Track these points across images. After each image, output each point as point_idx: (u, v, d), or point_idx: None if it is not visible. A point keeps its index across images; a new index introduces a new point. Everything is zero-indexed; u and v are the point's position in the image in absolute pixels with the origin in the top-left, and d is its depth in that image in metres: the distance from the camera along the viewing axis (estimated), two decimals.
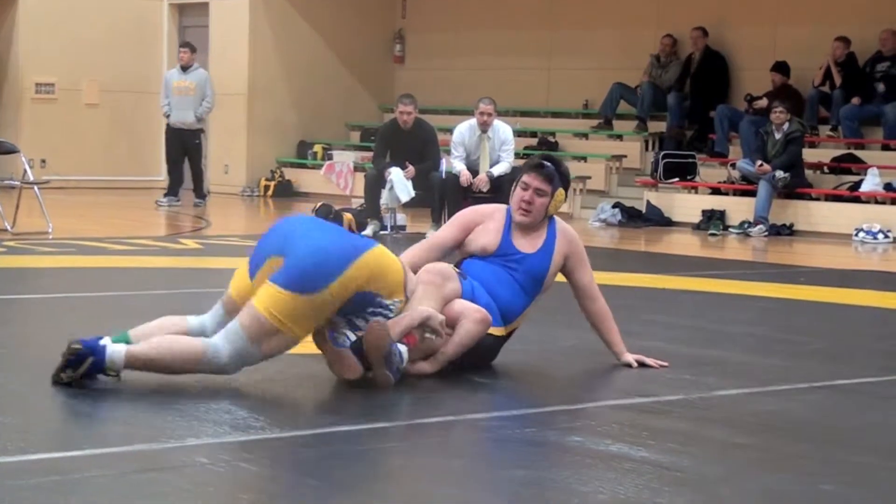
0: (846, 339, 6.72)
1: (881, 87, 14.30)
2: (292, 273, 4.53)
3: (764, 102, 14.68)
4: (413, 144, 12.23)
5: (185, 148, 15.54)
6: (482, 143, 12.12)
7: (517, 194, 5.27)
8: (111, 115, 18.37)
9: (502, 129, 12.19)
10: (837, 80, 14.71)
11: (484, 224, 5.28)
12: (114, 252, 9.83)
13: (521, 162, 15.19)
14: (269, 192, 17.94)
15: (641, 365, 5.37)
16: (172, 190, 15.58)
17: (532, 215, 5.25)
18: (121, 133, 18.31)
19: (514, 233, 5.27)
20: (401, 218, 12.65)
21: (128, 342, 4.64)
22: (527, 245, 5.25)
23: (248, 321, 4.55)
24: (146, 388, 4.69)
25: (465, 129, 12.22)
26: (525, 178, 5.25)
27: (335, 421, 4.25)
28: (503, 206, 5.40)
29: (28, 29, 17.86)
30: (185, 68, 15.56)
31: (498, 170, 12.03)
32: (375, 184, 12.25)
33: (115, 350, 4.52)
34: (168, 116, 15.60)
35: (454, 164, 12.14)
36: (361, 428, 4.18)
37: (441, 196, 12.11)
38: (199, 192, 15.75)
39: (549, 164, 5.28)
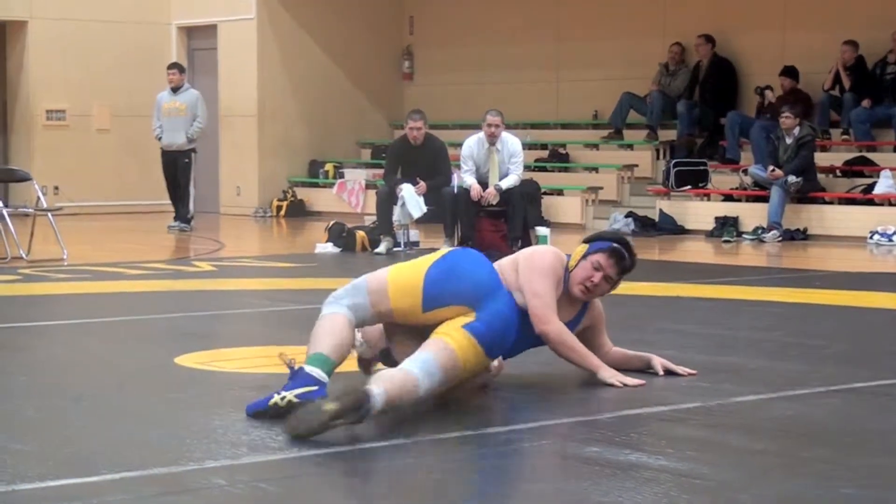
0: (863, 343, 6.70)
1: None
2: (491, 336, 4.64)
3: (772, 97, 14.71)
4: (424, 160, 12.25)
5: (174, 169, 15.20)
6: (491, 156, 12.13)
7: (585, 271, 5.15)
8: (122, 140, 18.45)
9: (510, 142, 12.20)
10: (847, 83, 14.70)
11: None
12: (129, 277, 9.86)
13: (531, 175, 15.31)
14: (282, 213, 17.97)
15: (668, 373, 5.37)
16: (186, 215, 15.47)
17: (591, 297, 5.22)
18: (132, 157, 18.38)
19: (560, 298, 5.17)
20: (413, 234, 12.66)
21: (328, 362, 4.50)
22: (563, 314, 5.18)
23: (449, 363, 4.55)
24: (158, 410, 4.70)
25: (473, 143, 12.24)
26: (602, 260, 5.15)
27: (352, 438, 4.25)
28: (563, 258, 5.24)
29: (38, 55, 17.96)
30: (175, 89, 15.32)
31: (507, 182, 12.05)
32: (387, 201, 12.27)
33: (378, 394, 4.29)
34: (160, 139, 15.34)
35: (465, 178, 12.16)
36: (379, 445, 4.18)
37: (453, 211, 12.12)
38: (183, 214, 15.18)
39: (628, 257, 5.19)
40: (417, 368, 4.48)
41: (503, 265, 5.12)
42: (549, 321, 5.06)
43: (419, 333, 4.75)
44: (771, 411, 4.77)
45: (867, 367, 5.83)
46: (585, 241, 5.32)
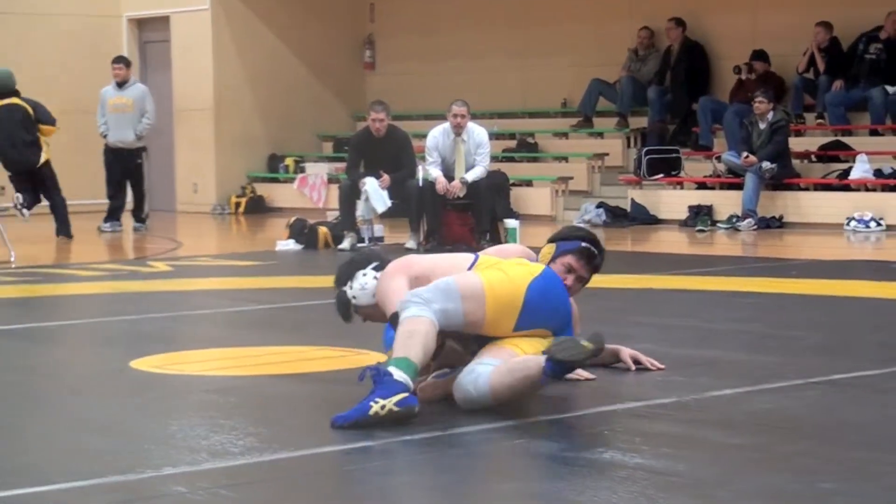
0: (841, 333, 6.74)
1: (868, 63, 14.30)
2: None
3: (750, 73, 14.81)
4: (387, 153, 12.23)
5: (125, 169, 14.97)
6: (457, 148, 12.13)
7: (558, 273, 5.18)
8: (71, 137, 18.31)
9: (477, 132, 12.20)
10: (821, 65, 14.78)
11: None
12: (82, 279, 9.80)
13: (499, 165, 15.31)
14: (241, 209, 17.90)
15: (637, 365, 5.39)
16: (114, 214, 14.96)
17: None
18: (81, 155, 18.24)
19: None
20: (378, 229, 12.64)
21: (412, 368, 4.46)
22: None
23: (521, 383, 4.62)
24: (114, 416, 4.68)
25: (438, 134, 12.23)
26: (573, 262, 5.20)
27: (317, 442, 4.24)
28: (531, 254, 5.36)
29: None
30: (120, 84, 15.07)
31: (473, 175, 12.04)
32: (350, 195, 12.24)
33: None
34: (105, 136, 15.08)
35: (430, 170, 12.15)
36: (345, 448, 4.17)
37: (419, 205, 12.11)
38: (140, 215, 15.04)
39: (599, 255, 5.29)
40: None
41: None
42: None
43: (471, 339, 4.78)
44: (748, 405, 4.79)
45: (846, 357, 5.86)
46: (552, 241, 5.34)
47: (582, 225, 14.50)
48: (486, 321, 4.66)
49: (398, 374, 4.40)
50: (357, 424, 4.32)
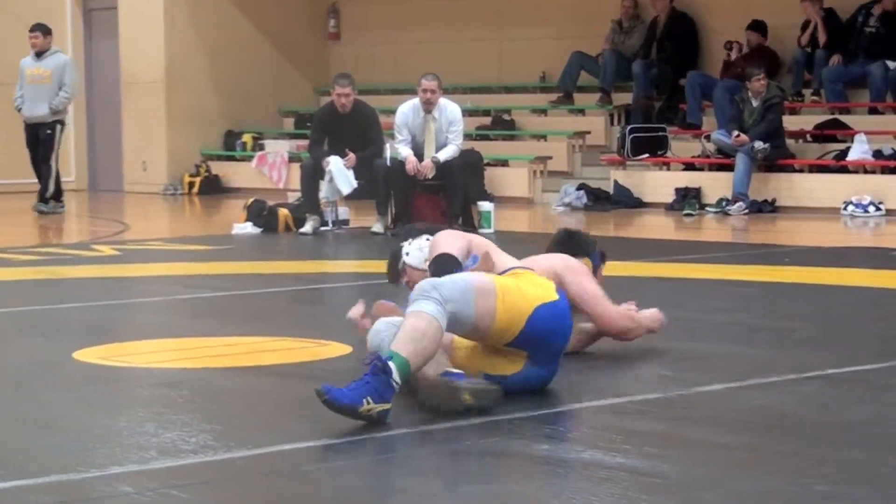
0: (837, 324, 6.78)
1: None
2: (513, 386, 4.77)
3: (737, 51, 14.85)
4: (353, 129, 12.20)
5: (37, 141, 14.63)
6: (427, 125, 12.10)
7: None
8: (7, 112, 18.18)
9: (449, 109, 12.18)
10: (822, 38, 14.81)
11: None
12: (17, 263, 9.74)
13: (473, 144, 15.30)
14: (195, 190, 17.84)
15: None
16: (54, 194, 14.68)
17: None
18: (19, 131, 18.12)
19: None
20: (343, 212, 12.62)
21: (406, 368, 4.48)
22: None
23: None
24: (56, 411, 4.66)
25: (408, 110, 12.20)
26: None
27: (274, 440, 4.24)
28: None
29: None
30: (39, 54, 14.78)
31: (445, 154, 12.01)
32: (313, 175, 12.21)
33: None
34: (19, 110, 14.84)
35: (399, 149, 12.13)
36: (304, 446, 4.17)
37: (387, 185, 12.09)
38: (44, 194, 14.59)
39: (569, 238, 5.82)
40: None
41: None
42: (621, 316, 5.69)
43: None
44: (737, 402, 4.81)
45: (842, 351, 5.89)
46: (582, 254, 5.76)
47: (561, 209, 14.52)
48: (492, 331, 4.71)
49: (395, 377, 4.43)
50: (342, 412, 4.34)
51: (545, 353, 4.83)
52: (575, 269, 5.60)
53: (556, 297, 4.86)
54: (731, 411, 4.65)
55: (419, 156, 12.06)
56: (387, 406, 4.39)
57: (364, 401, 4.35)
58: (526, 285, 4.84)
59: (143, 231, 13.17)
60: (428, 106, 12.03)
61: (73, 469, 3.87)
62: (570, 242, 5.87)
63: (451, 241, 5.19)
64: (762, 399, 4.83)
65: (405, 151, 12.05)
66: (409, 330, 4.52)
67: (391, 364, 4.42)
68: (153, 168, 18.28)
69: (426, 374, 4.60)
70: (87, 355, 5.77)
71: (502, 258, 5.15)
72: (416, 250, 5.32)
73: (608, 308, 5.63)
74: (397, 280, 5.42)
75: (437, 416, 4.45)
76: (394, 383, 4.41)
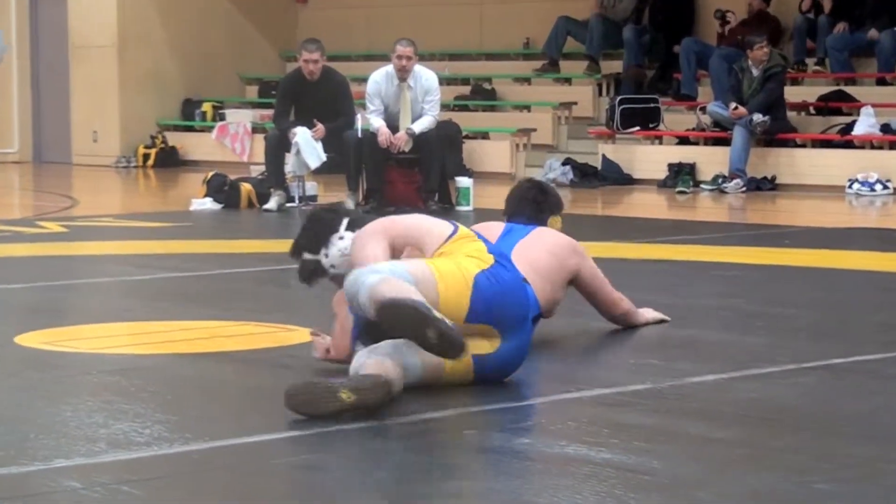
0: (840, 311, 6.80)
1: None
2: (493, 370, 4.77)
3: (732, 20, 14.84)
4: (322, 99, 12.18)
5: None
6: (402, 94, 12.08)
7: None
8: None
9: (425, 77, 12.17)
10: (827, 4, 14.82)
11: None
12: None
13: (451, 115, 15.29)
14: (150, 162, 17.80)
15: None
16: None
17: None
18: None
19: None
20: (310, 187, 12.61)
21: None
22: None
23: (434, 373, 4.71)
24: None
25: (381, 78, 12.18)
26: None
27: (235, 431, 4.23)
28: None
29: None
30: None
31: (420, 125, 12.00)
32: (278, 147, 12.20)
33: (395, 382, 4.55)
34: None
35: (371, 119, 12.12)
36: (268, 439, 4.17)
37: (357, 159, 12.08)
38: None
39: (543, 196, 5.86)
40: (402, 366, 4.54)
41: (529, 248, 5.52)
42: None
43: None
44: (733, 393, 4.82)
45: (844, 340, 5.91)
46: (548, 208, 5.88)
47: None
48: (440, 306, 4.65)
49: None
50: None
51: (508, 321, 4.77)
52: (584, 254, 5.73)
53: (490, 260, 4.79)
54: (726, 404, 4.66)
55: (393, 127, 12.05)
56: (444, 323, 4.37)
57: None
58: (461, 259, 4.78)
59: (92, 206, 13.12)
60: (403, 73, 12.02)
61: (14, 462, 3.85)
62: (545, 200, 5.85)
63: (371, 248, 4.84)
64: (759, 391, 4.85)
65: (377, 122, 12.03)
66: (395, 288, 4.45)
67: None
68: (104, 139, 18.21)
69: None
70: (30, 340, 5.75)
71: (424, 231, 4.95)
72: (341, 257, 4.94)
73: (611, 287, 5.82)
74: (314, 285, 5.14)
75: (412, 407, 4.44)
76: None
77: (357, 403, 4.30)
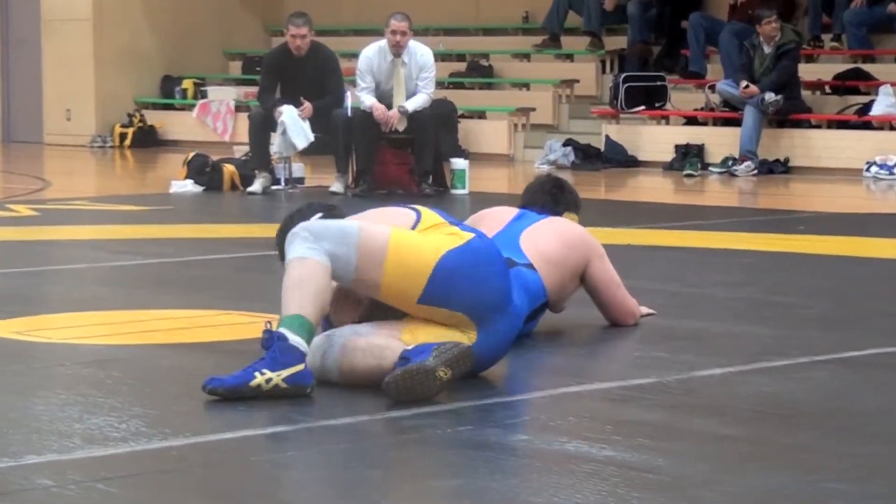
0: (856, 301, 6.81)
1: None
2: (479, 362, 4.73)
3: None
4: (309, 75, 12.16)
5: None
6: (395, 71, 12.05)
7: None
8: None
9: (420, 52, 12.15)
10: None
11: None
12: None
13: (446, 93, 15.27)
14: (127, 142, 17.79)
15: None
16: None
17: None
18: None
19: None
20: (297, 168, 12.60)
21: (307, 326, 4.49)
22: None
23: None
24: None
25: (373, 54, 12.15)
26: None
27: (216, 427, 4.24)
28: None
29: None
30: None
31: (414, 103, 11.96)
32: (263, 126, 12.18)
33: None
34: None
35: (362, 97, 12.10)
36: (253, 434, 4.17)
37: (347, 139, 12.07)
38: None
39: (560, 191, 5.89)
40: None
41: (539, 233, 5.54)
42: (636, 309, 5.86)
43: (373, 305, 4.79)
44: (742, 388, 4.83)
45: (860, 331, 5.93)
46: (575, 209, 5.93)
47: (545, 168, 14.52)
48: (383, 285, 4.64)
49: (293, 339, 4.44)
50: (232, 394, 4.41)
51: (481, 308, 4.72)
52: (598, 250, 5.74)
53: (466, 237, 4.75)
54: (735, 399, 4.67)
55: (385, 106, 12.00)
56: (297, 368, 4.41)
57: (256, 374, 4.40)
58: (434, 236, 4.74)
59: (65, 189, 13.12)
60: (397, 49, 11.97)
61: None
62: (561, 196, 5.90)
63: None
64: (770, 385, 4.86)
65: (369, 100, 12.01)
66: (289, 284, 4.51)
67: (281, 329, 4.45)
68: (78, 117, 18.19)
69: (382, 364, 4.56)
70: (0, 329, 5.74)
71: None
72: None
73: (626, 294, 5.79)
74: None
75: (406, 403, 4.45)
76: (295, 344, 4.42)
77: (453, 377, 4.46)
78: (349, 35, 17.54)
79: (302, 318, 4.47)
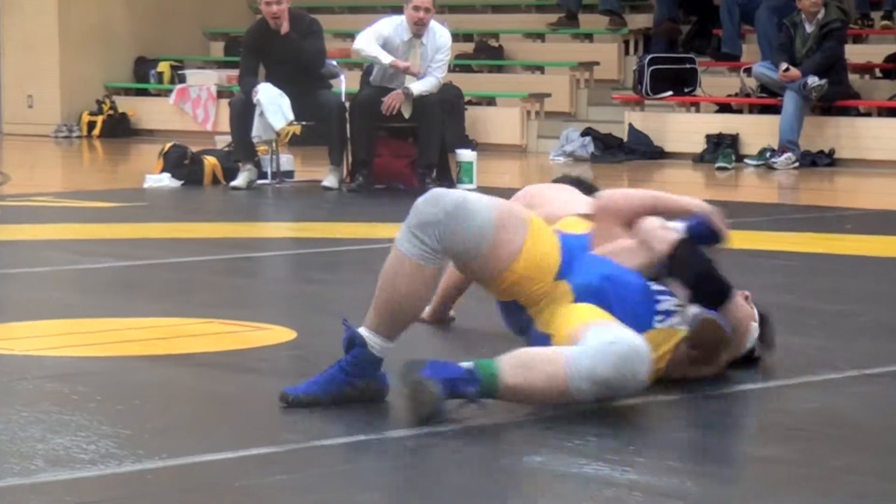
0: None
1: None
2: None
3: None
4: (294, 50, 11.96)
5: None
6: (413, 51, 11.83)
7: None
8: None
9: (439, 34, 11.93)
10: None
11: None
12: None
13: (452, 77, 15.25)
14: (96, 131, 17.81)
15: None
16: None
17: None
18: None
19: None
20: (285, 161, 12.58)
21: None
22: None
23: None
24: None
25: (389, 29, 11.75)
26: None
27: (196, 448, 4.24)
28: None
29: None
30: None
31: (421, 87, 11.77)
32: (245, 113, 12.05)
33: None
34: None
35: (379, 55, 11.67)
36: (234, 456, 4.17)
37: (341, 127, 11.98)
38: None
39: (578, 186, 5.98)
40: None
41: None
42: None
43: None
44: (782, 404, 4.84)
45: None
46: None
47: (562, 160, 14.53)
48: (523, 252, 4.79)
49: (374, 340, 4.67)
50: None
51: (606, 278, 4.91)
52: None
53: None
54: (775, 415, 4.68)
55: (393, 89, 11.81)
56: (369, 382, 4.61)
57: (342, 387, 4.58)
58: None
59: (27, 184, 13.14)
60: (419, 29, 11.72)
61: None
62: (584, 190, 5.92)
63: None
64: (815, 401, 4.86)
65: (385, 57, 11.61)
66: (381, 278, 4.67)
67: (360, 331, 4.61)
68: (41, 104, 18.21)
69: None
70: None
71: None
72: None
73: None
74: None
75: (400, 420, 4.45)
76: (371, 352, 4.61)
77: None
78: (342, 13, 17.56)
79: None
